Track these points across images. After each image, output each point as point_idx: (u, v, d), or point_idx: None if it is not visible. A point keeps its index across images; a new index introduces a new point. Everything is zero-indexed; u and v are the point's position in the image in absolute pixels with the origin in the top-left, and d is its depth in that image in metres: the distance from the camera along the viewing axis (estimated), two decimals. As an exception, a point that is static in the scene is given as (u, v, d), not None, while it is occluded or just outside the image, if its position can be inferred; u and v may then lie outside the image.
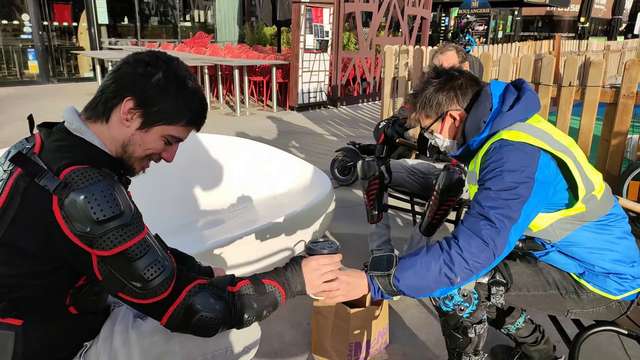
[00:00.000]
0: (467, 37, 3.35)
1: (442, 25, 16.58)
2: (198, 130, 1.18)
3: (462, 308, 1.45)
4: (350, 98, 8.35)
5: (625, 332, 1.43)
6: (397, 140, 2.84)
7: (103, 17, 10.56)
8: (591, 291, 1.39)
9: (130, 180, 1.19)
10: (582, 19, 19.80)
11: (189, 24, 14.12)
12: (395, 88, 4.58)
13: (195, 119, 1.13)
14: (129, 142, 1.08)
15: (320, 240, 1.18)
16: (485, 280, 1.44)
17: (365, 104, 8.48)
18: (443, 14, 17.05)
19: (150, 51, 1.10)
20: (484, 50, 6.31)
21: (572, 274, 1.41)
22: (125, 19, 11.80)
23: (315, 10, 7.23)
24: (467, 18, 3.30)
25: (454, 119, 1.47)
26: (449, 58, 2.56)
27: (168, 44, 11.37)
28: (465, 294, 1.44)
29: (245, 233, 2.09)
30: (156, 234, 1.12)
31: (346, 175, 4.06)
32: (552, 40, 8.96)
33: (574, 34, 19.78)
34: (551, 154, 1.30)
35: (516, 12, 21.13)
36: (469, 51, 3.58)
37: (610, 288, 1.37)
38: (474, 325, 1.48)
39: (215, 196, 2.78)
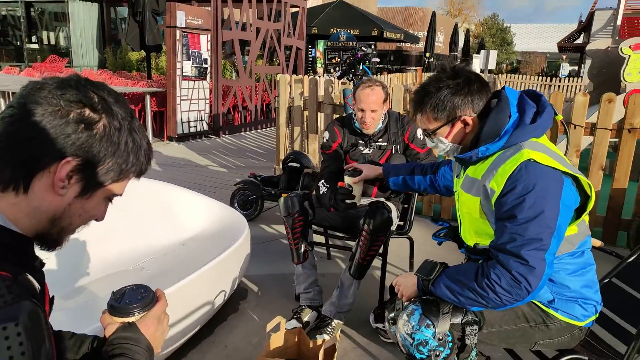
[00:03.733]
0: (362, 68, 3.45)
1: (310, 56, 17.27)
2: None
3: (437, 353, 1.35)
4: (232, 127, 8.08)
5: (587, 358, 1.46)
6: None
7: None
8: (559, 320, 1.39)
9: (45, 263, 0.86)
10: (428, 54, 22.45)
11: (36, 46, 12.54)
12: (289, 117, 4.49)
13: (144, 168, 0.87)
14: (64, 215, 0.78)
15: (127, 288, 0.93)
16: (458, 320, 1.36)
17: (248, 132, 8.29)
18: (310, 46, 17.81)
19: (67, 81, 0.78)
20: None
21: (539, 303, 1.40)
22: (-47, 37, 9.99)
23: (192, 36, 6.89)
24: (363, 50, 3.40)
25: (466, 124, 1.39)
26: (377, 94, 2.28)
27: (12, 68, 9.89)
28: (441, 337, 1.34)
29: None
30: None
31: (248, 210, 3.81)
32: (414, 72, 9.88)
33: (421, 67, 22.18)
34: (571, 176, 1.29)
35: (372, 46, 23.03)
36: (365, 81, 3.64)
37: (577, 314, 1.39)
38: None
39: (111, 248, 2.32)
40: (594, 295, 1.41)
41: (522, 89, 1.45)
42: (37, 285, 0.73)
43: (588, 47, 5.49)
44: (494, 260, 1.27)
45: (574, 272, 1.37)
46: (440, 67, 1.41)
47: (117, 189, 0.84)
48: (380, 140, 2.43)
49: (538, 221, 1.22)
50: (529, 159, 1.26)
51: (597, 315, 1.45)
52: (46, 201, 0.75)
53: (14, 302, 0.63)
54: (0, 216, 0.73)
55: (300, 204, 2.31)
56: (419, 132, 2.41)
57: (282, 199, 2.32)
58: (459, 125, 1.40)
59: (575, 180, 1.30)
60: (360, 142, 2.45)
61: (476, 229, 1.45)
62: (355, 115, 2.41)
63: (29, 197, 0.74)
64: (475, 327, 1.37)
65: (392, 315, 1.57)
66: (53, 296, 0.90)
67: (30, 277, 0.72)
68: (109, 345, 0.86)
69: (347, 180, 2.19)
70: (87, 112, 0.76)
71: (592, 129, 3.32)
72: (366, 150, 2.44)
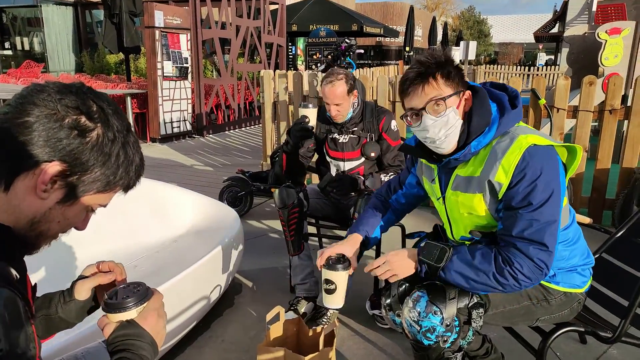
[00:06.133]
0: (347, 60, 3.44)
1: (290, 54, 17.25)
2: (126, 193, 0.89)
3: (445, 339, 1.35)
4: (215, 126, 8.02)
5: (583, 329, 1.49)
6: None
7: None
8: (560, 293, 1.41)
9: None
10: (407, 48, 22.59)
11: (9, 52, 12.27)
12: (274, 112, 4.48)
13: (133, 183, 0.86)
14: (43, 219, 0.77)
15: (118, 287, 0.90)
16: (464, 304, 1.36)
17: (232, 131, 8.23)
18: (290, 43, 17.79)
19: (68, 87, 0.77)
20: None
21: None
22: None
23: (171, 36, 6.82)
24: (347, 42, 3.37)
25: (467, 102, 1.31)
26: (339, 88, 2.27)
27: (-14, 75, 9.65)
28: (448, 323, 1.34)
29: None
30: None
31: (237, 206, 3.79)
32: (396, 66, 9.94)
33: (402, 60, 22.28)
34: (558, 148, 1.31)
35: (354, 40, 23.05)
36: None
37: (578, 282, 1.42)
38: (455, 354, 1.40)
39: (102, 247, 2.28)
40: (587, 259, 1.45)
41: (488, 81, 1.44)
42: (14, 273, 0.72)
43: (566, 34, 5.59)
44: (510, 247, 1.25)
45: (570, 242, 1.39)
46: (431, 50, 1.35)
47: (101, 200, 0.83)
48: (355, 128, 2.47)
49: (551, 202, 1.23)
50: (530, 144, 1.25)
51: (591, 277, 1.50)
52: (26, 202, 0.74)
53: None
54: None
55: (296, 195, 2.31)
56: (393, 124, 2.46)
57: (277, 191, 2.31)
58: (462, 101, 1.30)
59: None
60: (334, 129, 2.50)
61: (474, 226, 1.42)
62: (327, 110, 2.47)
63: (9, 195, 0.73)
64: (482, 310, 1.36)
65: (388, 301, 1.56)
66: (35, 284, 0.89)
67: (6, 265, 0.71)
68: (109, 344, 0.83)
69: (303, 111, 2.34)
70: (83, 119, 0.76)
71: (574, 112, 3.38)
72: (342, 139, 2.47)
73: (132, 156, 0.83)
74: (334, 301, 1.49)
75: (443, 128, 1.30)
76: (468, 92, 1.33)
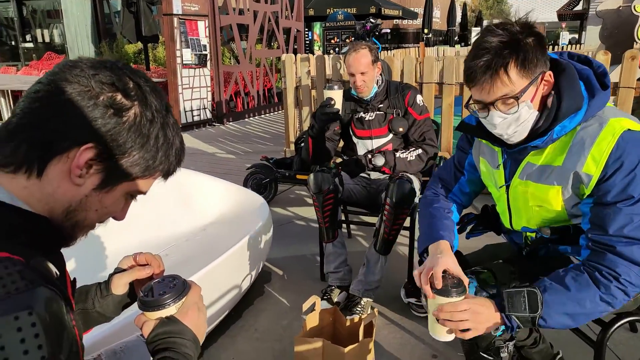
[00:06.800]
0: (372, 40, 3.31)
1: (307, 39, 17.08)
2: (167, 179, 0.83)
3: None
4: (235, 114, 7.98)
5: (646, 318, 1.39)
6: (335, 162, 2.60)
7: None
8: None
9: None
10: (426, 31, 22.13)
11: (31, 44, 12.40)
12: (296, 97, 4.39)
13: (174, 168, 0.80)
14: (79, 207, 0.71)
15: (152, 283, 0.84)
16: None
17: (252, 118, 8.18)
18: (306, 29, 17.61)
19: (102, 62, 0.71)
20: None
21: None
22: (-53, 40, 9.88)
23: (189, 23, 6.75)
24: (372, 22, 3.24)
25: (546, 84, 1.13)
26: (363, 56, 2.23)
27: (9, 68, 9.79)
28: None
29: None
30: None
31: (262, 193, 3.73)
32: (417, 48, 9.75)
33: (423, 42, 21.76)
34: None
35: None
36: (375, 54, 3.53)
37: None
38: (507, 343, 1.32)
39: (132, 237, 2.25)
40: None
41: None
42: (54, 269, 0.66)
43: (599, 8, 5.33)
44: (605, 254, 1.09)
45: None
46: (502, 20, 1.14)
47: (141, 186, 0.76)
48: (381, 105, 2.39)
49: None
50: (625, 129, 1.09)
51: None
52: (61, 189, 0.68)
53: (27, 289, 0.56)
54: (9, 195, 0.65)
55: (332, 180, 2.23)
56: (419, 98, 2.38)
57: (312, 175, 2.23)
58: (541, 87, 1.12)
59: None
60: (360, 108, 2.41)
61: (541, 219, 1.27)
62: (352, 84, 2.37)
63: (42, 182, 0.67)
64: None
65: None
66: (75, 278, 0.84)
67: (45, 261, 0.65)
68: (149, 344, 0.78)
69: (328, 93, 2.24)
70: (119, 97, 0.69)
71: (614, 89, 3.21)
72: (368, 117, 2.40)
73: (172, 139, 0.76)
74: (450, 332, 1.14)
75: (513, 124, 1.13)
76: (549, 73, 1.14)
